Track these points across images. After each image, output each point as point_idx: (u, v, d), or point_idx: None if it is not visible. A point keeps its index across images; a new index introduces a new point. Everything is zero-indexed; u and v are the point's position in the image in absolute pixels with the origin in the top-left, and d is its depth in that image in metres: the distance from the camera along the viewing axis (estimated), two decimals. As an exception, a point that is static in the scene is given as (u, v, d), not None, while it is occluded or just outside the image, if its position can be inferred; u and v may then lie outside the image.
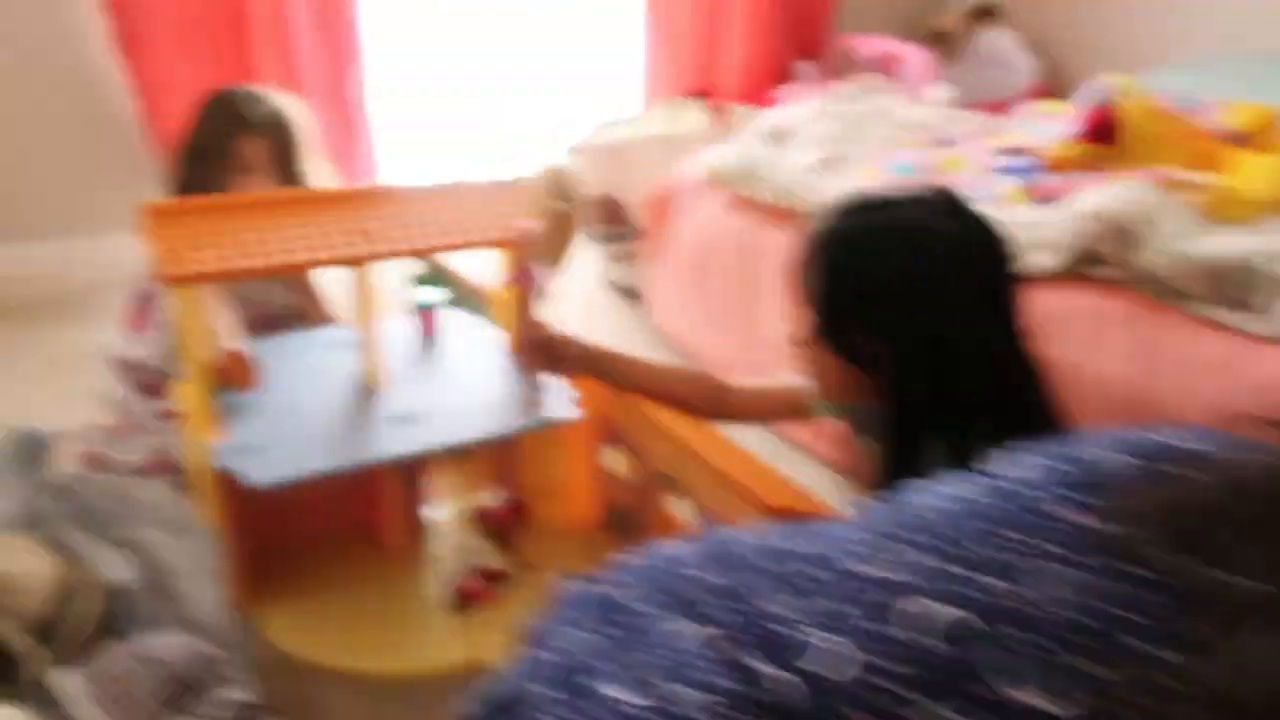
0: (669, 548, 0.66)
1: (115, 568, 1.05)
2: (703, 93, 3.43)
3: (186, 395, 1.36)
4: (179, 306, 1.22)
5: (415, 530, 1.57)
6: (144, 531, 1.13)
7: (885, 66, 3.55)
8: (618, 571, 0.66)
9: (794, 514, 1.17)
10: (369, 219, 1.33)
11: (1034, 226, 1.61)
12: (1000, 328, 1.10)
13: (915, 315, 1.08)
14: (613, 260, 2.78)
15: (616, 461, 1.61)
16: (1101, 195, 1.55)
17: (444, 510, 1.66)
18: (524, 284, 1.40)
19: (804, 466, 1.94)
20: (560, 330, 1.44)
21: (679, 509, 1.66)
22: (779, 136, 2.19)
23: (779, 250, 2.05)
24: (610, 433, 1.56)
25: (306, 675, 1.31)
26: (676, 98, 3.33)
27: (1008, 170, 1.84)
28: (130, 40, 2.60)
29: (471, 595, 1.44)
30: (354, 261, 1.30)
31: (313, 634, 1.34)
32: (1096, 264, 1.55)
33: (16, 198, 2.72)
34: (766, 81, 3.56)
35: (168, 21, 2.58)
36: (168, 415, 1.76)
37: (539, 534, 1.62)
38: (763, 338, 2.13)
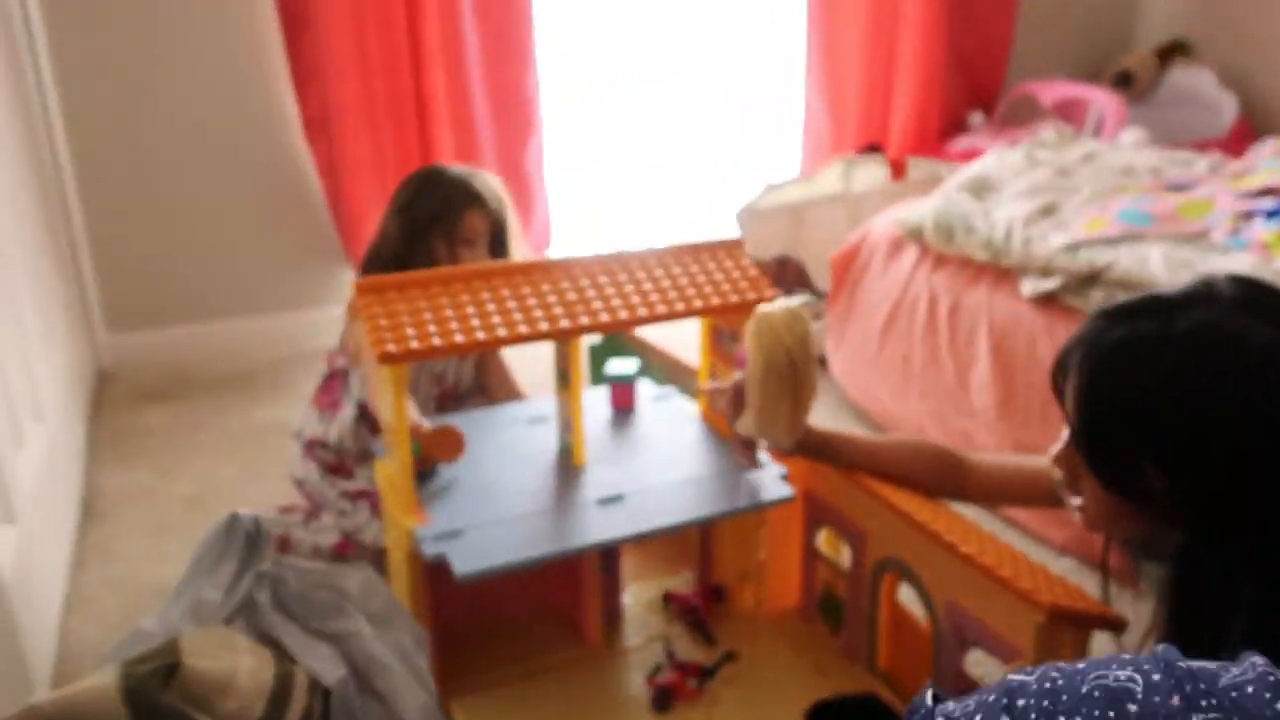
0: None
1: (327, 665, 0.99)
2: (874, 147, 3.30)
3: (387, 475, 1.32)
4: (387, 384, 1.17)
5: (614, 617, 1.48)
6: (354, 623, 1.08)
7: (1069, 112, 3.34)
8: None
9: (1072, 613, 1.00)
10: (569, 290, 1.27)
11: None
12: None
13: (1213, 447, 0.85)
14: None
15: (829, 544, 1.48)
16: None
17: (639, 595, 1.56)
18: (730, 357, 1.30)
19: (1036, 549, 1.75)
20: None
21: (906, 597, 1.51)
22: (981, 189, 2.04)
23: (991, 309, 1.89)
24: (821, 512, 1.43)
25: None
26: (848, 154, 3.22)
27: (1263, 213, 1.63)
28: (317, 123, 2.70)
29: (671, 692, 1.32)
30: (564, 335, 1.23)
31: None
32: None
33: (206, 277, 2.84)
34: (940, 133, 3.40)
35: (352, 104, 2.67)
36: (356, 495, 1.74)
37: (740, 621, 1.50)
38: (969, 405, 1.96)
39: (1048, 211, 1.86)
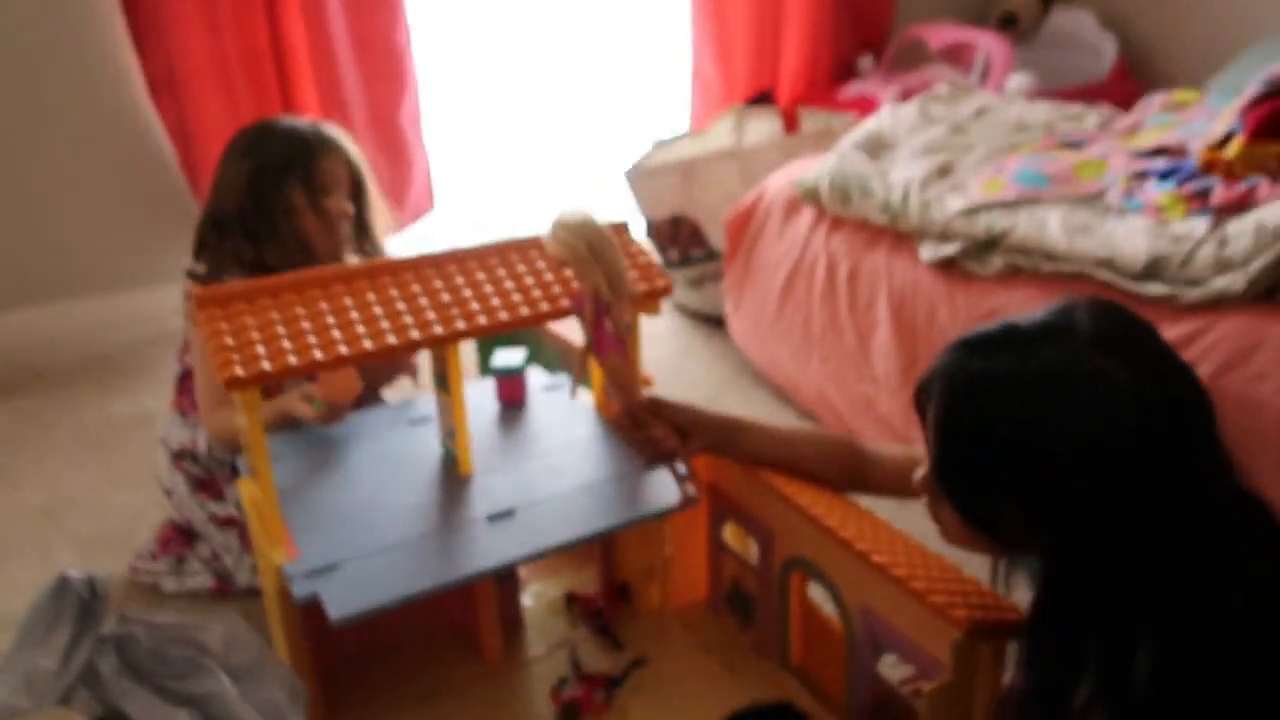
0: None
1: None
2: (764, 95, 3.21)
3: (252, 499, 1.19)
4: (241, 410, 1.04)
5: (513, 626, 1.39)
6: (215, 683, 0.96)
7: (956, 56, 3.32)
8: None
9: (990, 626, 0.96)
10: (443, 290, 1.14)
11: (1218, 243, 1.39)
12: (1194, 506, 0.83)
13: (1066, 487, 0.84)
14: (687, 285, 2.58)
15: (736, 538, 1.42)
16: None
17: (540, 596, 1.47)
18: (605, 348, 1.19)
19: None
20: (666, 401, 1.25)
21: (818, 594, 1.47)
22: (876, 147, 1.98)
23: (890, 274, 1.84)
24: (726, 506, 1.36)
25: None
26: (738, 104, 3.12)
27: (1156, 174, 1.61)
28: (163, 83, 2.45)
29: (577, 708, 1.25)
30: (440, 342, 1.11)
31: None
32: (1290, 286, 1.32)
33: (49, 254, 2.58)
34: (829, 78, 3.34)
35: (202, 61, 2.43)
36: (225, 523, 1.59)
37: (647, 620, 1.43)
38: (870, 371, 1.92)
39: (944, 171, 1.81)
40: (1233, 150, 1.52)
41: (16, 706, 0.91)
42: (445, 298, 1.13)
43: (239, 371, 0.99)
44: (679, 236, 2.55)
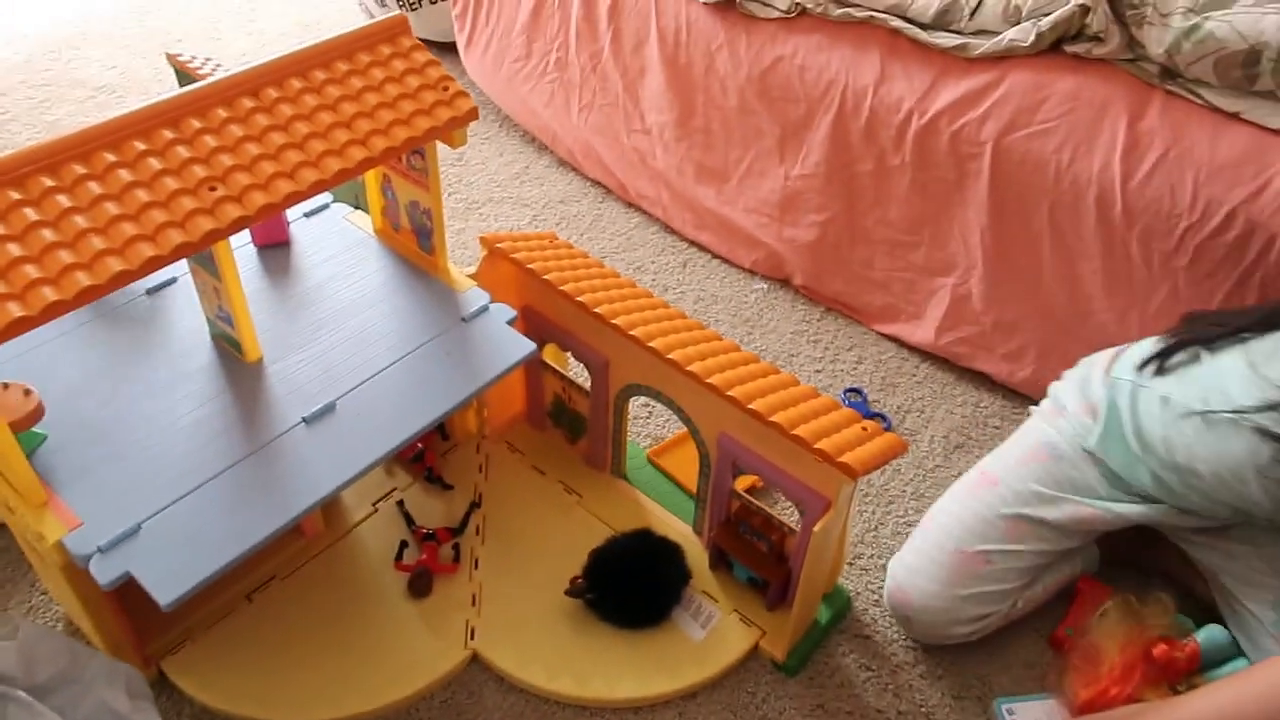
0: None
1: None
2: None
3: (6, 475, 0.91)
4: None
5: (334, 507, 1.25)
6: (19, 714, 0.78)
7: None
8: None
9: (875, 462, 0.97)
10: (206, 147, 0.86)
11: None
12: None
13: None
14: (401, 6, 2.20)
15: (554, 356, 1.33)
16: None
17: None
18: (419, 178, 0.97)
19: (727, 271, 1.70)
20: None
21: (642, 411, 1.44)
22: None
23: (659, 10, 1.65)
24: (546, 329, 1.25)
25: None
26: None
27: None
28: None
29: (428, 573, 1.17)
30: (217, 238, 0.85)
31: (245, 690, 1.06)
32: (1080, 39, 1.32)
33: None
34: None
35: None
36: None
37: (469, 450, 1.35)
38: (641, 123, 1.78)
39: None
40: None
41: None
42: (225, 160, 0.85)
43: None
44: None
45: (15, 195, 0.77)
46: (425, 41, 2.24)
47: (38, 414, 0.90)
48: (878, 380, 1.53)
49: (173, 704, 1.06)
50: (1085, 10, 1.29)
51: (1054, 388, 1.19)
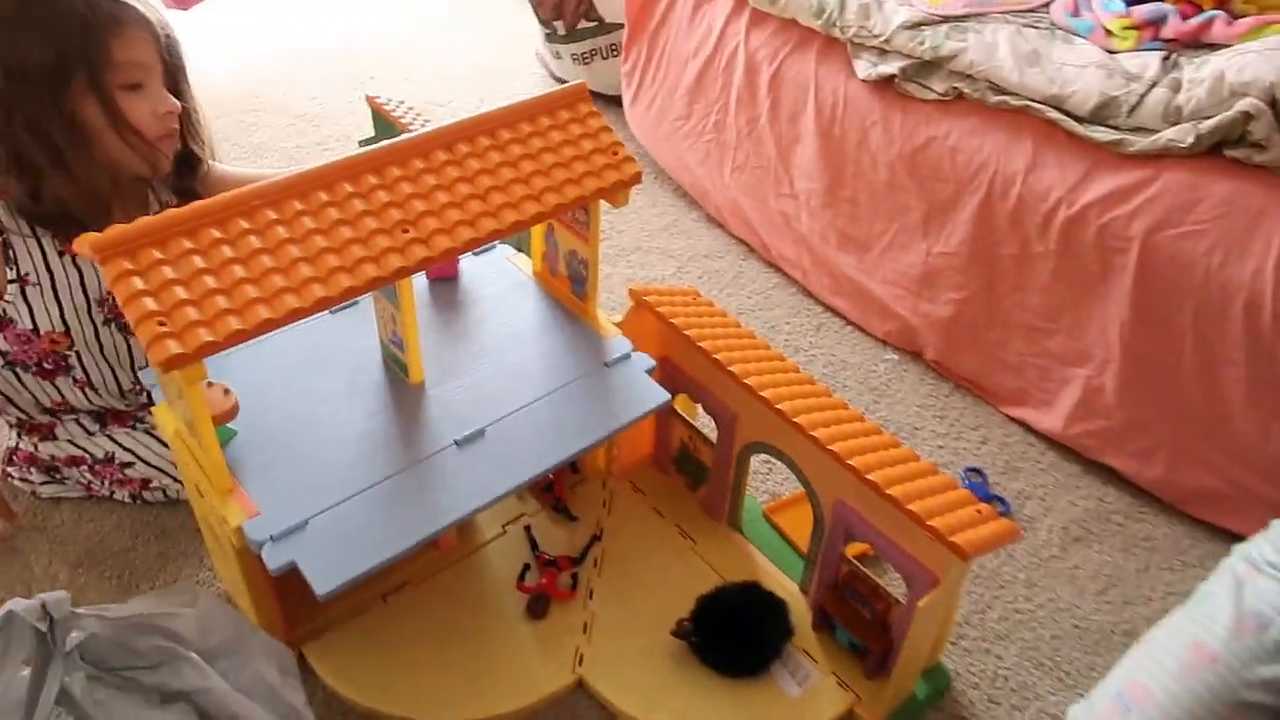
0: None
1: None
2: None
3: (178, 436, 1.05)
4: (184, 391, 0.89)
5: (468, 524, 1.35)
6: (200, 676, 0.89)
7: None
8: None
9: (986, 546, 1.00)
10: (397, 195, 0.97)
11: (1170, 88, 1.35)
12: None
13: None
14: (575, 61, 2.35)
15: (684, 405, 1.40)
16: (1253, 61, 1.29)
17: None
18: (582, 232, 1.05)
19: (856, 338, 1.73)
20: None
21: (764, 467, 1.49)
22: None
23: (819, 85, 1.72)
24: (679, 380, 1.32)
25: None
26: None
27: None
28: None
29: (545, 597, 1.25)
30: (402, 275, 0.96)
31: (372, 682, 1.15)
32: (1241, 144, 1.31)
33: None
34: None
35: None
36: (70, 463, 1.39)
37: (596, 486, 1.43)
38: (790, 188, 1.84)
39: (888, -22, 1.65)
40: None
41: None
42: (421, 203, 0.97)
43: (174, 349, 0.83)
44: (566, 6, 2.28)
45: (244, 225, 0.90)
46: (593, 94, 2.38)
47: (233, 412, 1.02)
48: (1000, 463, 1.54)
49: (307, 686, 1.17)
50: (1248, 117, 1.29)
51: (1247, 548, 1.01)
